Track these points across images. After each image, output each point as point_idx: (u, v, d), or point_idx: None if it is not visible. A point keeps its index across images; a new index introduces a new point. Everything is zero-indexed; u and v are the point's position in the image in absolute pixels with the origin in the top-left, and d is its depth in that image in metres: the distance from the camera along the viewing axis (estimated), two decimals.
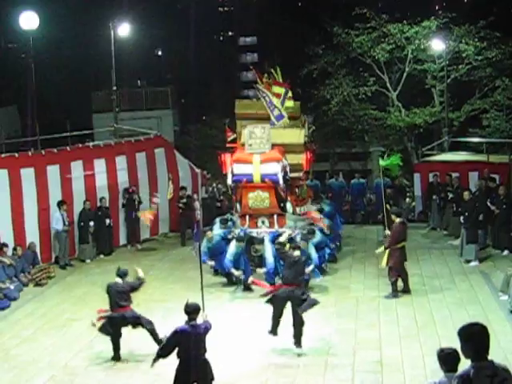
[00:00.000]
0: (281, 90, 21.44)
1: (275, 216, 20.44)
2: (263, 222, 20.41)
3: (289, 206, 21.23)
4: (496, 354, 12.61)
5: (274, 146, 20.67)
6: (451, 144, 29.74)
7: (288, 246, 17.02)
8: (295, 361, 14.34)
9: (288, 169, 20.53)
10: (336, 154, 34.45)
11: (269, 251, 19.29)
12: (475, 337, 7.16)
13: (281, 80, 21.84)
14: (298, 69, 32.32)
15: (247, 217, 20.59)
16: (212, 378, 12.04)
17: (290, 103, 21.60)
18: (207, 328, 12.35)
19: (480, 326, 7.23)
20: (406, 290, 18.38)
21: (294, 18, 41.74)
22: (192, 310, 12.44)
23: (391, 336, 15.76)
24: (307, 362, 14.25)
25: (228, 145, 22.43)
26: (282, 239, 17.73)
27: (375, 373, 13.88)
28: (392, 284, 18.20)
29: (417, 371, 13.47)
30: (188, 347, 12.26)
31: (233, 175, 20.39)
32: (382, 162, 21.77)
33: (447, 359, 9.13)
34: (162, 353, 12.44)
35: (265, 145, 20.38)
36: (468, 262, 20.88)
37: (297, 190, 22.14)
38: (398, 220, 18.62)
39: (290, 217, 20.82)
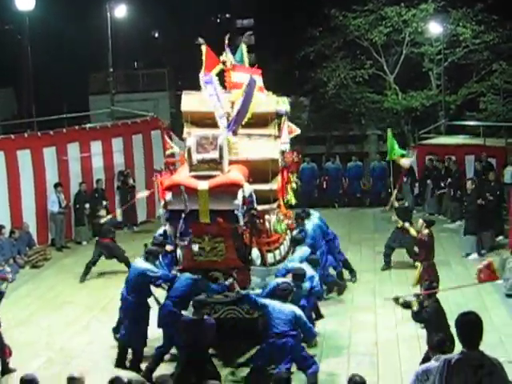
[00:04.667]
0: (243, 79, 14.68)
1: (234, 272, 13.78)
2: (216, 280, 13.53)
3: (255, 253, 14.07)
4: (491, 337, 12.76)
5: (232, 162, 13.88)
6: (448, 127, 29.74)
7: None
8: None
9: (254, 197, 13.49)
10: (332, 137, 34.47)
11: None
12: (467, 326, 7.18)
13: (245, 60, 15.98)
14: (295, 51, 32.27)
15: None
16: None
17: (269, 102, 15.03)
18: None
19: (474, 315, 7.26)
20: None
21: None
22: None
23: (387, 318, 15.84)
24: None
25: (168, 160, 16.22)
26: None
27: (371, 355, 13.98)
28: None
29: (412, 352, 13.52)
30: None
31: (166, 211, 13.68)
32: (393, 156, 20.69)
33: (434, 343, 9.24)
34: None
35: (217, 164, 13.24)
36: (467, 255, 20.42)
37: (268, 225, 14.77)
38: (426, 232, 16.38)
39: (256, 271, 14.16)
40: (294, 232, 16.18)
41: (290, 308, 12.53)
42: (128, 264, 18.44)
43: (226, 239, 13.41)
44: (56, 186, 22.72)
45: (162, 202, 13.80)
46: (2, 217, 21.48)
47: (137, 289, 13.70)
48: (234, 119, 14.03)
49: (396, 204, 19.12)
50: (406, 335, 14.78)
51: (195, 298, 12.77)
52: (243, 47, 15.94)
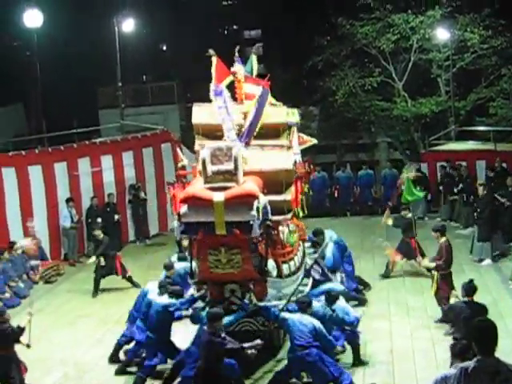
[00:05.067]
0: (255, 90, 14.79)
1: (251, 283, 13.62)
2: (233, 292, 13.45)
3: (271, 265, 14.11)
4: (506, 343, 12.67)
5: (245, 174, 13.57)
6: (458, 133, 29.71)
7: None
8: None
9: (269, 208, 13.43)
10: (343, 146, 34.52)
11: None
12: (483, 332, 7.16)
13: (254, 71, 15.92)
14: (303, 60, 32.31)
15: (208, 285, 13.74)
16: None
17: (280, 113, 14.82)
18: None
19: (489, 322, 7.24)
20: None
21: (299, 9, 41.74)
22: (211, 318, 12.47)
23: (402, 326, 15.79)
24: None
25: (180, 172, 15.89)
26: None
27: (387, 364, 13.92)
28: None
29: (428, 360, 13.45)
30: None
31: (181, 223, 13.35)
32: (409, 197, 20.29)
33: (456, 351, 9.17)
34: None
35: (232, 175, 13.02)
36: (480, 261, 20.29)
37: (282, 236, 14.68)
38: (443, 239, 16.22)
39: (272, 282, 14.05)
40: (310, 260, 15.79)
41: (309, 320, 12.51)
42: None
43: (242, 251, 13.16)
44: (68, 201, 22.79)
45: (177, 215, 13.45)
46: (15, 233, 21.57)
47: (159, 327, 13.49)
48: (246, 130, 14.04)
49: (390, 222, 18.83)
50: (421, 343, 14.73)
51: (209, 311, 12.74)
52: (253, 58, 15.98)
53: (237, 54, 15.36)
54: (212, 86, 15.02)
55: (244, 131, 14.05)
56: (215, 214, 12.63)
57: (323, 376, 12.27)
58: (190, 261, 14.26)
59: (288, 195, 14.40)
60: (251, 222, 12.83)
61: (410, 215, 19.75)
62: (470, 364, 7.11)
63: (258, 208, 12.86)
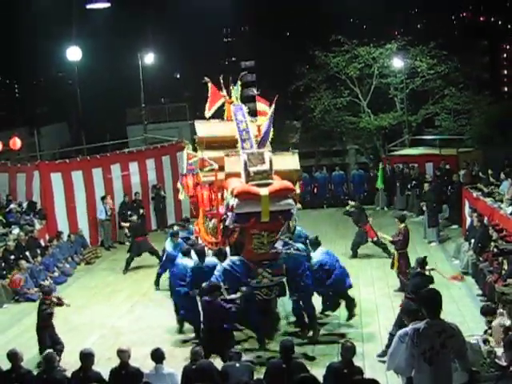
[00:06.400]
0: (266, 109, 15.01)
1: None
2: (267, 269, 13.17)
3: None
4: (450, 308, 12.73)
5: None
6: (411, 141, 29.76)
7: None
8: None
9: None
10: (320, 152, 34.41)
11: None
12: (429, 299, 7.20)
13: (238, 94, 15.81)
14: (288, 84, 32.28)
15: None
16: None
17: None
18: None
19: (434, 291, 7.29)
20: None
21: (284, 44, 41.83)
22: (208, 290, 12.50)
23: (368, 295, 15.82)
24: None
25: (189, 167, 15.98)
26: None
27: (356, 326, 13.94)
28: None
29: (389, 321, 13.46)
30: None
31: (235, 214, 13.12)
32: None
33: (410, 313, 9.25)
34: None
35: (268, 174, 13.28)
36: (430, 242, 20.47)
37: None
38: (403, 225, 16.26)
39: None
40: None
41: None
42: (158, 256, 18.90)
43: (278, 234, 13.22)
44: (102, 198, 22.84)
45: (232, 205, 13.11)
46: (62, 224, 21.69)
47: (196, 283, 13.40)
48: (262, 139, 13.93)
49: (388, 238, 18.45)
50: (384, 307, 14.85)
51: (210, 283, 12.77)
52: (239, 84, 15.78)
53: (221, 81, 15.44)
54: (207, 106, 15.18)
55: (260, 140, 13.95)
56: (262, 205, 12.78)
57: None
58: (224, 246, 14.03)
59: (298, 189, 14.48)
60: (291, 210, 13.15)
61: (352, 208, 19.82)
62: (421, 325, 7.16)
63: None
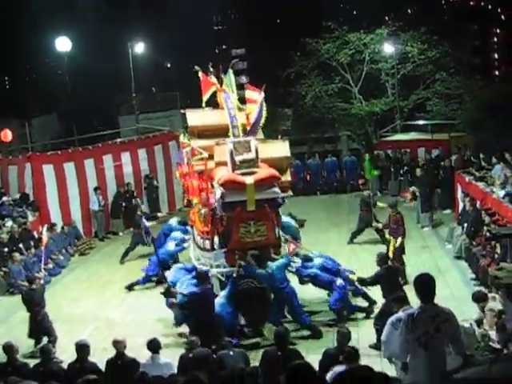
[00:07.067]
0: (255, 97, 14.37)
1: (270, 248, 13.60)
2: (253, 255, 13.23)
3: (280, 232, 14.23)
4: (444, 292, 12.79)
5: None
6: (402, 126, 29.79)
7: None
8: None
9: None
10: (312, 139, 34.34)
11: None
12: (423, 284, 7.23)
13: (232, 81, 15.36)
14: (279, 72, 32.17)
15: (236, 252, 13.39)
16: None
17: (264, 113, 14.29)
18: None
19: (428, 275, 7.31)
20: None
21: (275, 31, 41.73)
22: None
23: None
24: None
25: (183, 156, 15.79)
26: None
27: None
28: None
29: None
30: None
31: (222, 203, 13.18)
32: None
33: (398, 300, 9.30)
34: None
35: (255, 162, 13.33)
36: (423, 227, 20.54)
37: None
38: (395, 212, 16.14)
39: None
40: None
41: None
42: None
43: (266, 222, 13.34)
44: (95, 189, 22.83)
45: (217, 195, 13.26)
46: (55, 216, 21.63)
47: None
48: (251, 127, 13.94)
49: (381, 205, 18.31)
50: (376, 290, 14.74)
51: (198, 270, 12.82)
52: (230, 72, 15.51)
53: (211, 70, 15.38)
54: (205, 97, 15.11)
55: (250, 128, 13.94)
56: (248, 193, 12.93)
57: None
58: (213, 236, 13.99)
59: (288, 177, 14.42)
60: (278, 198, 13.23)
61: (365, 193, 19.80)
62: (415, 310, 7.20)
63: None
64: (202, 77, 15.56)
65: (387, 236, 16.69)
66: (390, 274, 12.66)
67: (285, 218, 15.48)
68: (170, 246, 16.03)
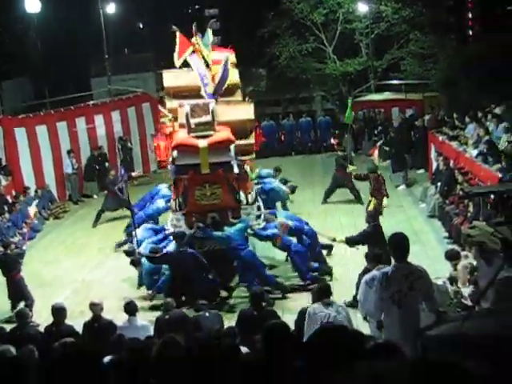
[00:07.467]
0: (220, 57, 14.53)
1: (229, 211, 13.72)
2: (213, 218, 13.27)
3: (242, 196, 14.38)
4: (417, 250, 12.93)
5: (219, 124, 13.82)
6: (377, 86, 29.80)
7: None
8: None
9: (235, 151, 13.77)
10: (286, 99, 34.24)
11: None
12: (396, 243, 7.31)
13: (210, 42, 15.18)
14: (253, 31, 31.93)
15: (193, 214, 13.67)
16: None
17: (233, 74, 14.78)
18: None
19: (401, 235, 7.39)
20: None
21: None
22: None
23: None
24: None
25: (161, 126, 15.45)
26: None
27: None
28: None
29: (357, 266, 13.65)
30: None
31: (175, 166, 13.57)
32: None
33: (374, 258, 9.39)
34: None
35: (211, 126, 13.36)
36: (397, 186, 20.54)
37: (248, 173, 15.05)
38: (376, 175, 15.71)
39: (243, 209, 14.18)
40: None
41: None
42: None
43: (222, 186, 13.51)
44: (68, 152, 22.69)
45: (171, 158, 13.56)
46: (28, 180, 21.45)
47: None
48: (215, 88, 14.04)
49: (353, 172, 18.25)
50: (352, 251, 14.85)
51: (175, 232, 12.90)
52: (209, 31, 15.56)
53: (194, 29, 15.21)
54: (176, 55, 14.98)
55: (214, 88, 14.04)
56: (201, 157, 13.07)
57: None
58: (176, 198, 14.21)
59: (252, 139, 14.53)
60: (231, 162, 13.33)
61: (340, 153, 19.92)
62: (389, 269, 7.28)
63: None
64: (180, 37, 15.39)
65: (368, 196, 16.63)
66: (377, 232, 12.77)
67: (275, 183, 16.01)
68: (160, 203, 15.99)
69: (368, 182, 15.85)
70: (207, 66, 14.57)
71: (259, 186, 16.18)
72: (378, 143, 21.95)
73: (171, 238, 13.45)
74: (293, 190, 17.08)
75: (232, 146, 13.32)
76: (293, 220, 14.25)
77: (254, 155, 14.79)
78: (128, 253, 14.06)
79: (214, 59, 14.85)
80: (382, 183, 15.82)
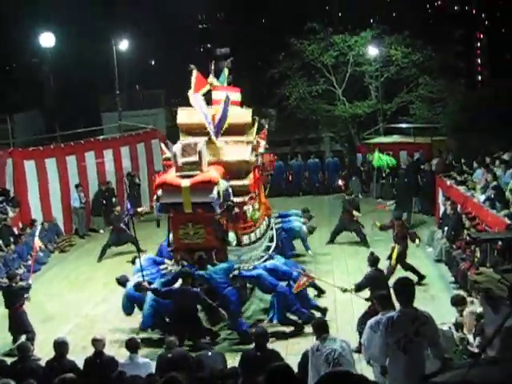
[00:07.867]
0: (221, 96, 14.79)
1: (213, 251, 13.69)
2: (200, 257, 13.29)
3: (232, 236, 14.20)
4: (423, 294, 12.84)
5: (213, 163, 14.13)
6: (385, 129, 29.91)
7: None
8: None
9: (230, 191, 13.75)
10: (295, 140, 34.40)
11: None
12: (402, 289, 7.27)
13: (225, 82, 15.90)
14: (263, 72, 32.20)
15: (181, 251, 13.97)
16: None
17: (244, 114, 15.17)
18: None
19: (407, 279, 7.37)
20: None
21: (259, 31, 41.70)
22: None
23: (343, 283, 15.86)
24: None
25: (165, 163, 15.64)
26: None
27: (331, 312, 14.03)
28: None
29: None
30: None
31: (159, 204, 13.59)
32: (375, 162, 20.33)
33: (381, 302, 9.30)
34: None
35: (198, 165, 13.43)
36: None
37: (247, 213, 14.72)
38: (400, 222, 15.97)
39: (231, 250, 14.14)
40: None
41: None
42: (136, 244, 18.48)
43: (205, 225, 13.63)
44: (76, 186, 22.74)
45: (155, 197, 13.71)
46: (35, 212, 21.50)
47: None
48: (216, 128, 14.35)
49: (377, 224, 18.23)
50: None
51: (182, 270, 12.91)
52: (225, 70, 16.02)
53: (212, 68, 15.48)
54: (191, 93, 15.18)
55: (214, 129, 14.36)
56: (183, 196, 13.18)
57: None
58: (168, 234, 14.47)
59: (247, 181, 14.63)
60: (212, 203, 13.16)
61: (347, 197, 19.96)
62: (394, 314, 7.23)
63: (218, 191, 13.21)
64: (197, 75, 15.61)
65: (392, 244, 16.38)
66: (378, 276, 12.70)
67: (295, 222, 16.71)
68: None
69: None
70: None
71: (279, 226, 16.60)
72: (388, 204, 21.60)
73: (162, 272, 13.66)
74: (311, 230, 17.57)
75: (215, 188, 13.22)
76: (287, 266, 14.16)
77: (248, 197, 14.59)
78: (120, 281, 14.07)
79: (215, 99, 15.21)
80: (407, 230, 15.94)
